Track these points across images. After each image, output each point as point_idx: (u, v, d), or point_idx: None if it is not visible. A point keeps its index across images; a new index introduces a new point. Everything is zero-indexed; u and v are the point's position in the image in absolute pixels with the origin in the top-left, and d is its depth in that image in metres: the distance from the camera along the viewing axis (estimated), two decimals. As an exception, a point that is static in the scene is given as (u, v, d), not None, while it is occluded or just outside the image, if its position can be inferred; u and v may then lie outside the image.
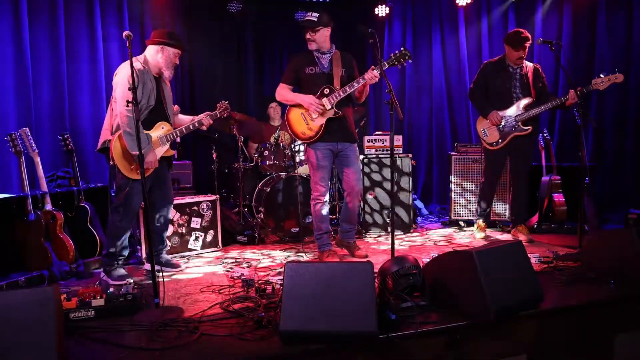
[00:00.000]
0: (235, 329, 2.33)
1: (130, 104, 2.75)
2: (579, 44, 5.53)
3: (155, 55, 3.44)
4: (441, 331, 2.29)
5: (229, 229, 4.72)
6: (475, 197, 5.02)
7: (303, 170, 4.91)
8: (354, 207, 3.87)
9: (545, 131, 5.08)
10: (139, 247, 3.98)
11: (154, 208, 3.59)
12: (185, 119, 3.76)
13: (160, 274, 3.02)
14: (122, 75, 3.30)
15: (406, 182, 5.01)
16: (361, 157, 4.87)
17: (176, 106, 3.80)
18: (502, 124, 4.33)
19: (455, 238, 4.71)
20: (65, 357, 1.98)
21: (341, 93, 3.64)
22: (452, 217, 5.29)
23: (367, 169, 4.97)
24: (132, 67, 2.79)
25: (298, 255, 4.12)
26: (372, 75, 3.54)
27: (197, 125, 3.63)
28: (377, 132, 5.38)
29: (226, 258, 4.04)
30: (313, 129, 3.72)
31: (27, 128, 3.81)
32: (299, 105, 3.76)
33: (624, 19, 5.17)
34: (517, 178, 4.46)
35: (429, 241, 4.60)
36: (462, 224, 5.24)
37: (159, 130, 3.45)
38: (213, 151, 5.03)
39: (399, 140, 5.13)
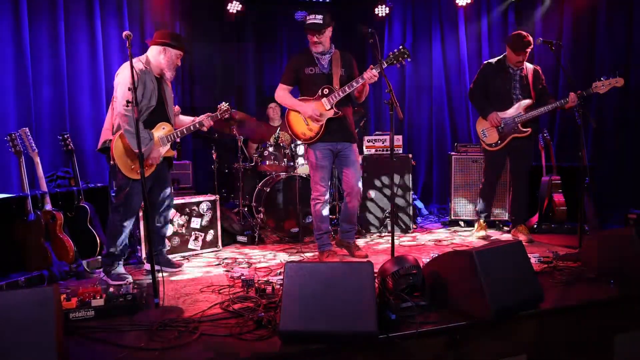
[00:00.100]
0: (235, 329, 2.33)
1: (130, 104, 2.75)
2: (579, 44, 5.53)
3: (157, 56, 3.44)
4: (441, 331, 2.29)
5: (228, 229, 4.72)
6: (475, 197, 5.02)
7: (303, 170, 4.91)
8: (354, 207, 3.86)
9: (545, 131, 5.08)
10: (139, 247, 3.98)
11: (154, 208, 3.59)
12: (186, 119, 3.76)
13: (160, 274, 3.02)
14: (123, 76, 3.30)
15: (406, 182, 5.01)
16: (361, 157, 4.88)
17: (177, 107, 3.80)
18: (502, 125, 4.33)
19: (455, 238, 4.71)
20: (65, 357, 1.98)
21: (340, 93, 3.64)
22: (452, 217, 5.29)
23: (366, 169, 4.97)
24: (131, 66, 2.79)
25: (298, 255, 4.12)
26: (371, 74, 3.54)
27: (197, 126, 3.63)
28: (376, 132, 5.38)
29: (226, 258, 4.04)
30: (313, 130, 3.72)
31: (27, 128, 3.81)
32: (299, 106, 3.77)
33: (624, 18, 5.16)
34: (517, 178, 4.46)
35: (429, 241, 4.60)
36: (462, 224, 5.24)
37: (159, 131, 3.45)
38: (213, 151, 5.03)
39: (399, 140, 5.13)
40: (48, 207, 3.74)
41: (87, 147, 5.09)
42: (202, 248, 4.29)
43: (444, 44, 6.67)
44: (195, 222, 4.26)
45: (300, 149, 4.94)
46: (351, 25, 6.80)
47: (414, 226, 5.21)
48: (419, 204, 6.21)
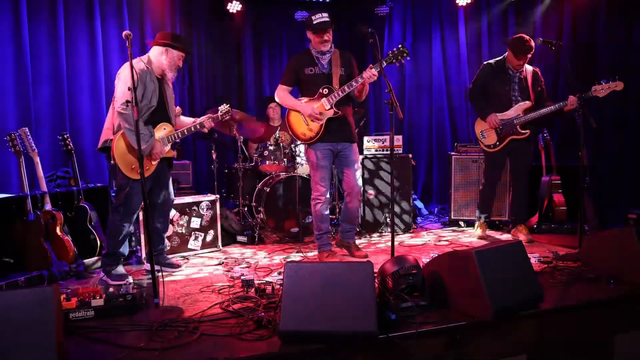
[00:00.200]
0: (235, 329, 2.33)
1: (129, 104, 2.75)
2: (579, 44, 5.52)
3: (159, 57, 3.45)
4: (441, 331, 2.29)
5: (228, 229, 4.72)
6: (475, 197, 5.02)
7: (303, 170, 4.91)
8: (354, 207, 3.86)
9: (545, 131, 5.08)
10: (139, 247, 3.98)
11: (154, 208, 3.59)
12: (186, 120, 3.76)
13: (160, 274, 3.02)
14: (123, 75, 3.31)
15: (406, 182, 5.00)
16: (361, 157, 4.87)
17: (178, 107, 3.80)
18: (500, 126, 4.33)
19: (455, 238, 4.71)
20: (65, 357, 1.98)
21: (340, 93, 3.64)
22: (452, 217, 5.29)
23: (366, 169, 4.97)
24: (131, 66, 2.79)
25: (298, 255, 4.12)
26: (371, 74, 3.53)
27: (198, 127, 3.63)
28: (376, 132, 5.37)
29: (226, 258, 4.04)
30: (313, 130, 3.72)
31: (27, 128, 3.81)
32: (300, 106, 3.77)
33: (624, 18, 5.16)
34: (517, 178, 4.46)
35: (428, 241, 4.59)
36: (462, 224, 5.24)
37: (160, 131, 3.45)
38: (213, 151, 5.02)
39: (399, 140, 5.13)
40: (48, 207, 3.74)
41: (87, 147, 5.09)
42: (202, 248, 4.29)
43: (444, 44, 6.67)
44: (195, 222, 4.26)
45: (301, 149, 4.94)
46: (351, 25, 6.81)
47: (414, 226, 5.21)
48: (419, 204, 6.21)
